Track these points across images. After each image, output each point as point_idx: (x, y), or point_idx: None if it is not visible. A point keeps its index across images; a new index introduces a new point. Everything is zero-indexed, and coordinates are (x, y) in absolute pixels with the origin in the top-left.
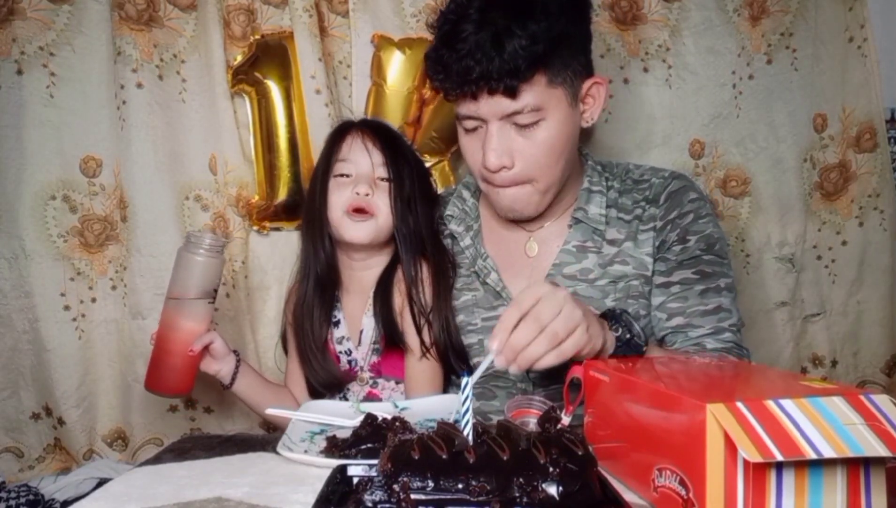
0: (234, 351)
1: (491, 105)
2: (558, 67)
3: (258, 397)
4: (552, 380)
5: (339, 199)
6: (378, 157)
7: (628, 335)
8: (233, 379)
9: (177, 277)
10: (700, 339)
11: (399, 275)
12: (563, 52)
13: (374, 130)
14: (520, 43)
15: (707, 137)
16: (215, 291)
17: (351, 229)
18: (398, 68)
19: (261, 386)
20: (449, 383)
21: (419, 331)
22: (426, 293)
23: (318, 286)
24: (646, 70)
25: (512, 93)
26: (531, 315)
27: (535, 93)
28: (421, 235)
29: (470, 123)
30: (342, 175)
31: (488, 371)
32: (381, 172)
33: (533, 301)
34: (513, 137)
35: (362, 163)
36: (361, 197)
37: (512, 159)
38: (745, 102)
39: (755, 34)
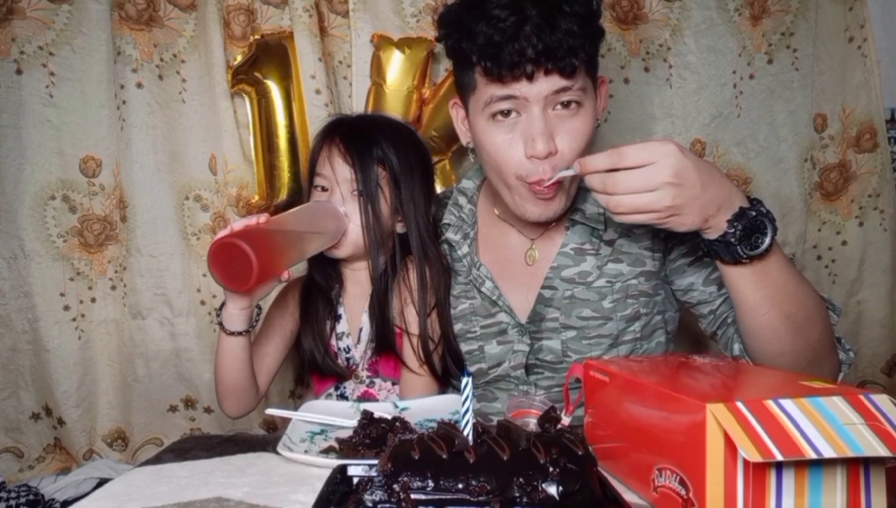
0: (259, 307)
1: (541, 84)
2: (592, 56)
3: (246, 359)
4: (554, 382)
5: None
6: (347, 171)
7: (733, 240)
8: (248, 329)
9: (304, 212)
10: None
11: (400, 279)
12: (596, 41)
13: (348, 137)
14: (572, 21)
15: (708, 137)
16: (308, 251)
17: (325, 250)
18: (398, 68)
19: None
20: (448, 384)
21: (412, 345)
22: (416, 302)
23: (318, 281)
24: (647, 70)
25: (570, 73)
26: (623, 173)
27: (582, 73)
28: (408, 242)
29: (504, 105)
30: (321, 187)
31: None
32: (352, 186)
33: (637, 161)
34: (553, 123)
35: (332, 177)
36: None
37: (556, 145)
38: (745, 102)
39: (756, 34)
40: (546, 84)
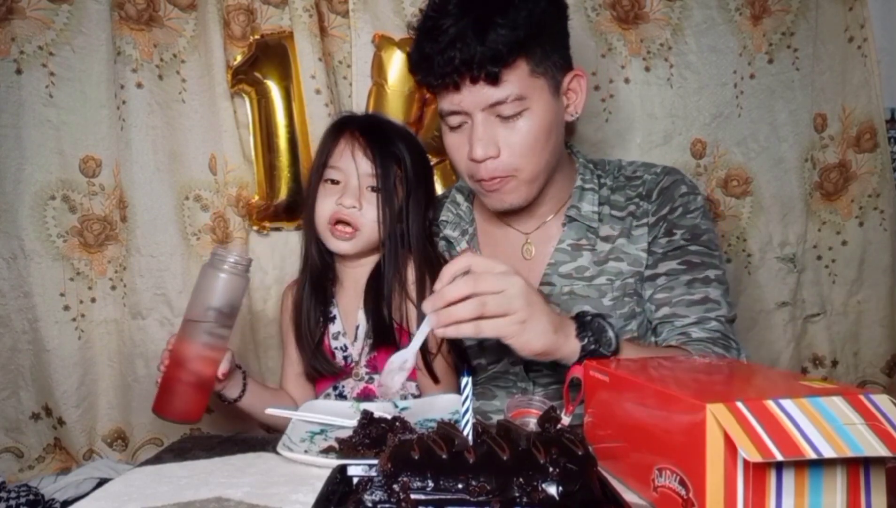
0: (239, 366)
1: (474, 94)
2: (539, 56)
3: (261, 405)
4: (552, 380)
5: (324, 207)
6: (367, 166)
7: (593, 346)
8: (241, 395)
9: (199, 296)
10: (685, 328)
11: (397, 275)
12: (544, 41)
13: (368, 133)
14: (501, 30)
15: (708, 137)
16: (236, 313)
17: (333, 243)
18: (399, 68)
19: (264, 395)
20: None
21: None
22: (414, 300)
23: (314, 280)
24: (647, 69)
25: (494, 80)
26: (471, 278)
27: (517, 81)
28: (409, 241)
29: (454, 119)
30: (331, 181)
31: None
32: (370, 181)
33: (483, 269)
34: (497, 128)
35: (351, 171)
36: (345, 209)
37: (497, 149)
38: (746, 102)
39: (756, 33)
40: (479, 94)
